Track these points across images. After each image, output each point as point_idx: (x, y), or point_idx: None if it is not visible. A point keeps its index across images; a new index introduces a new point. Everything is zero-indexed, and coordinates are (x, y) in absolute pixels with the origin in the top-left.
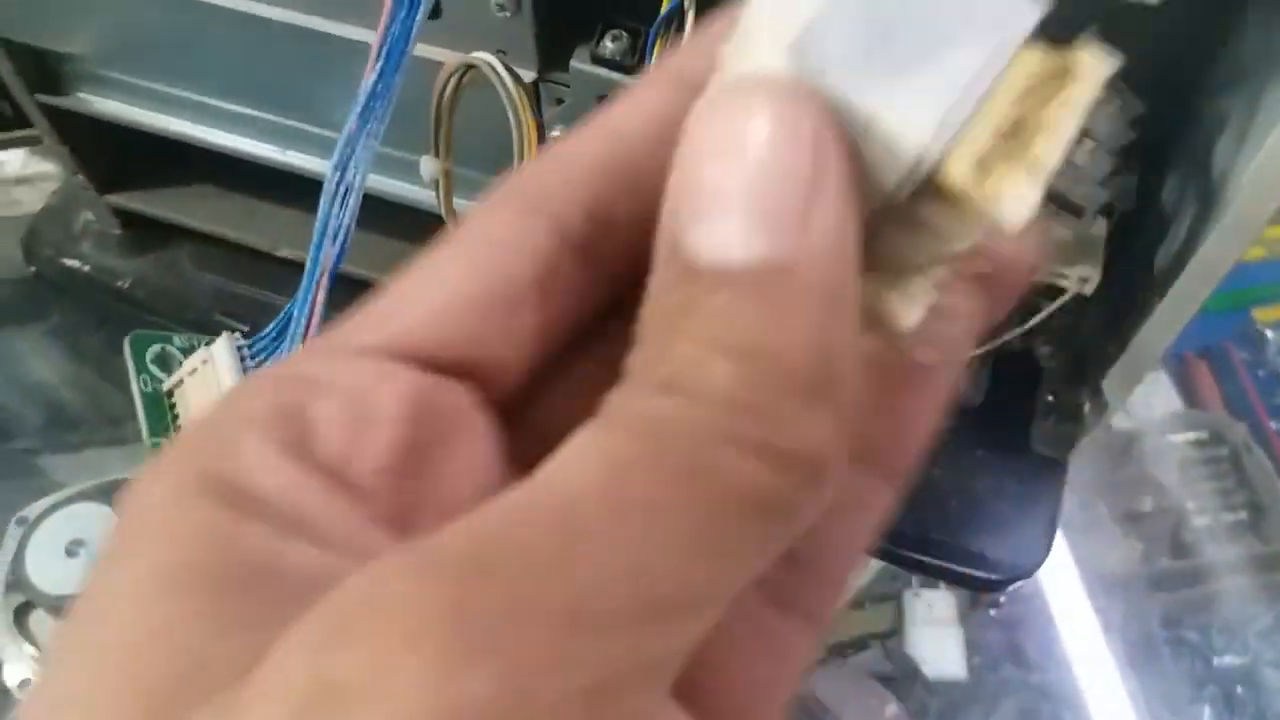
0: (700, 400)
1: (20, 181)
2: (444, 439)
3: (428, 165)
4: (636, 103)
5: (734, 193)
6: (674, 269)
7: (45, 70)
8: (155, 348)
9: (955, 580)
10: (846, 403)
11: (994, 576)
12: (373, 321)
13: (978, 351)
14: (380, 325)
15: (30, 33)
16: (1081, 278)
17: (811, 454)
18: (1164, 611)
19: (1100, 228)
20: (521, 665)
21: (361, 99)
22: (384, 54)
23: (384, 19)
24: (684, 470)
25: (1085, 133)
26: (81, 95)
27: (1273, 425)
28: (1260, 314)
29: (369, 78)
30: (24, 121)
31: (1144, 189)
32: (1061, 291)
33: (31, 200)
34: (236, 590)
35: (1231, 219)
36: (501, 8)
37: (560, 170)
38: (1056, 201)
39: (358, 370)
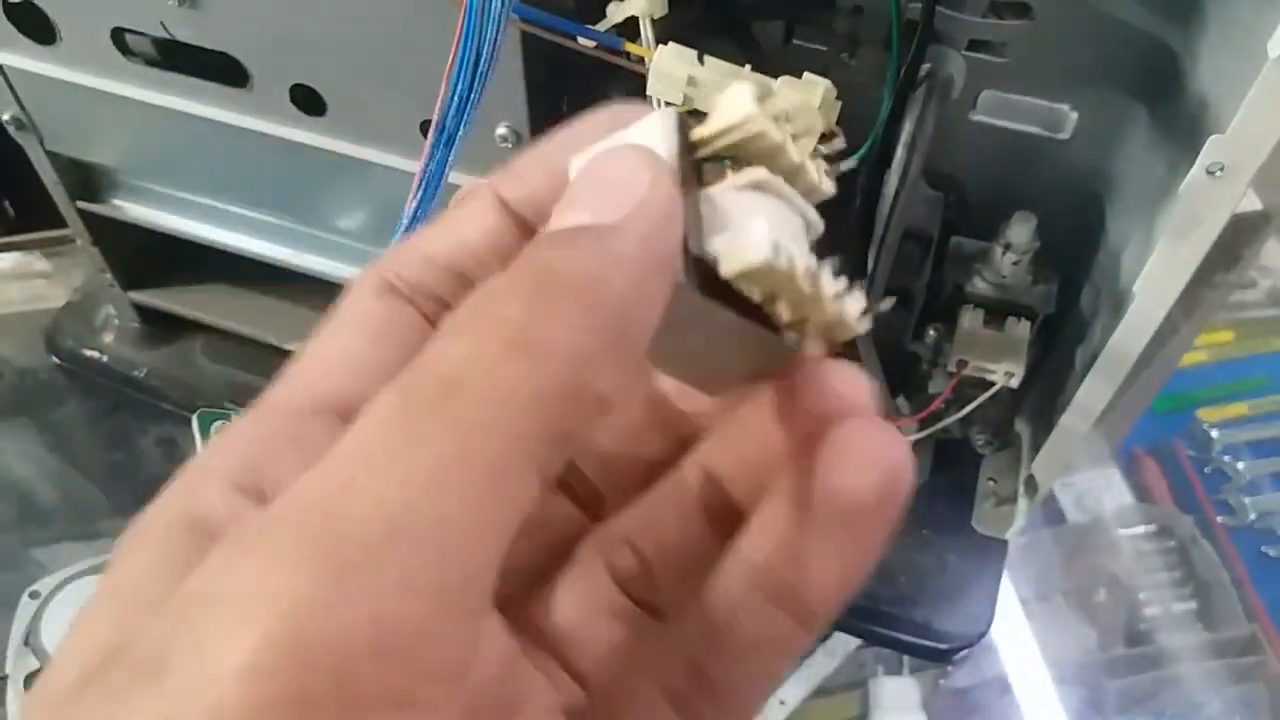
0: None
1: (18, 277)
2: None
3: None
4: (474, 217)
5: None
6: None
7: (85, 180)
8: (218, 423)
9: (905, 649)
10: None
11: (941, 645)
12: (304, 382)
13: (919, 436)
14: (312, 385)
15: (73, 147)
16: (1007, 373)
17: None
18: (1119, 697)
19: (1025, 329)
20: None
21: (404, 223)
22: (423, 185)
23: (424, 158)
24: None
25: (1007, 246)
26: (116, 202)
27: (1218, 519)
28: (1205, 414)
29: (410, 205)
30: (21, 226)
31: (1064, 296)
32: (990, 385)
33: (55, 296)
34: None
35: (1127, 322)
36: (504, 139)
37: (416, 259)
38: (1013, 310)
39: (311, 428)
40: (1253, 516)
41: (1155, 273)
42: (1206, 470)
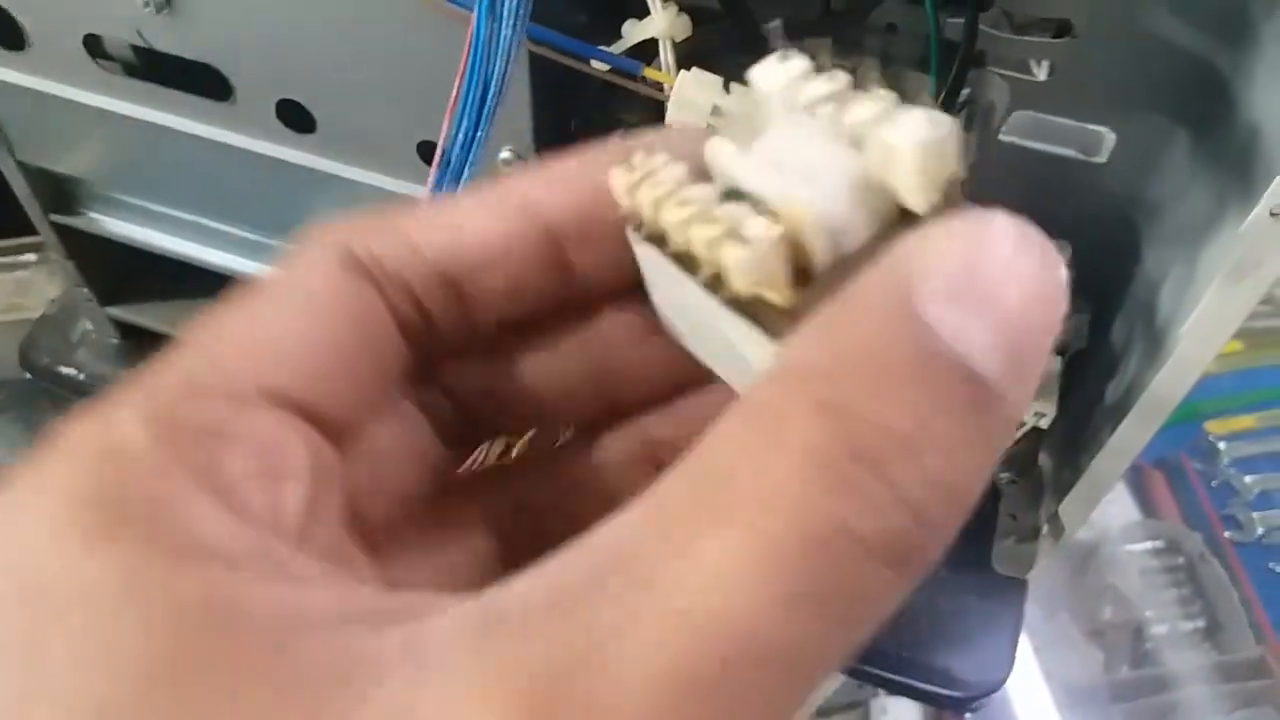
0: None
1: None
2: (325, 483)
3: None
4: (484, 216)
5: (1009, 316)
6: (904, 322)
7: (58, 191)
8: None
9: (924, 698)
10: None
11: (959, 694)
12: (249, 364)
13: None
14: (249, 368)
15: (45, 157)
16: (1038, 413)
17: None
18: None
19: (1056, 364)
20: None
21: None
22: None
23: (428, 191)
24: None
25: None
26: (92, 215)
27: (1226, 535)
28: (1212, 426)
29: None
30: None
31: (1094, 328)
32: (1021, 424)
33: (32, 307)
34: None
35: (1173, 365)
36: (507, 164)
37: (401, 245)
38: None
39: (263, 422)
40: (1260, 532)
41: (1206, 316)
42: (1214, 484)
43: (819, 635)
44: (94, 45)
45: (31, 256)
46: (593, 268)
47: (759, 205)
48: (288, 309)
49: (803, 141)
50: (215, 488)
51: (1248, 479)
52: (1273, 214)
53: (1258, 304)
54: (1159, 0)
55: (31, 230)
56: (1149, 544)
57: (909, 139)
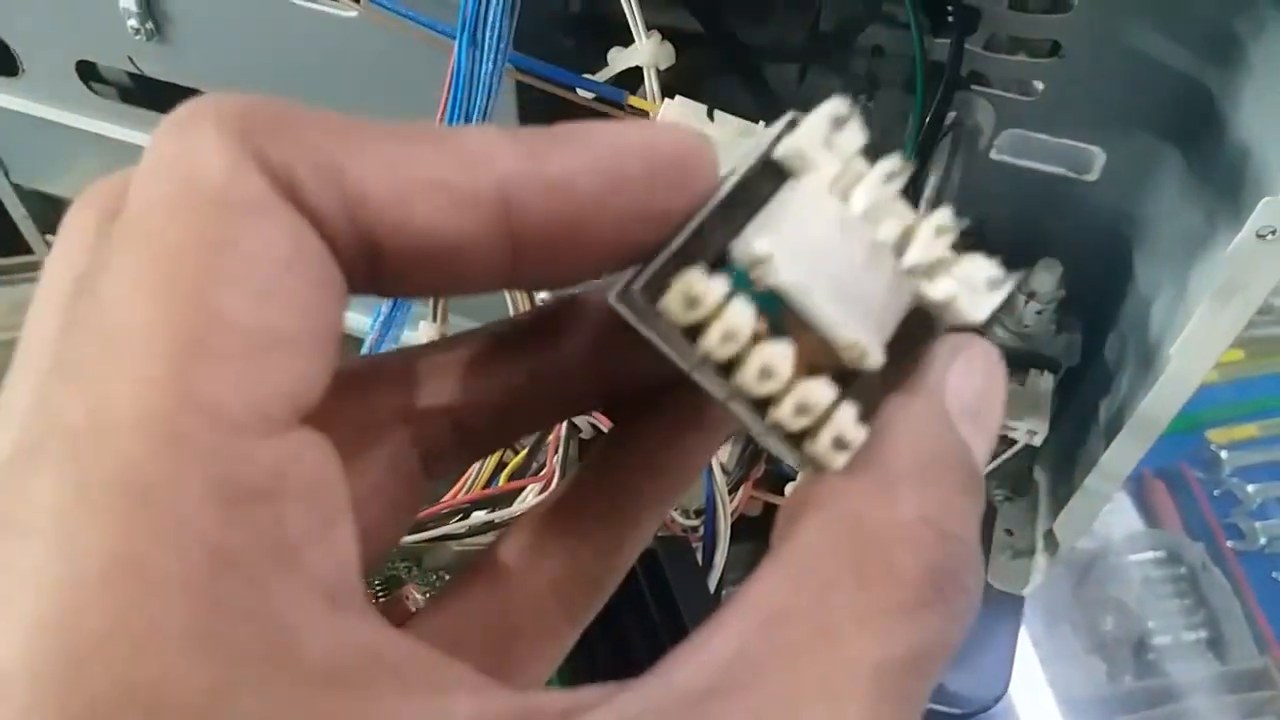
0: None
1: None
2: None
3: (426, 328)
4: (442, 189)
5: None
6: (954, 440)
7: (54, 213)
8: None
9: None
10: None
11: (955, 710)
12: (253, 372)
13: None
14: (268, 375)
15: (41, 180)
16: (1030, 430)
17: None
18: None
19: (1048, 382)
20: None
21: (383, 310)
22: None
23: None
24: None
25: (1030, 295)
26: None
27: (1229, 544)
28: (1214, 435)
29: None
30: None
31: (1087, 346)
32: (1013, 442)
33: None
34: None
35: (1163, 385)
36: None
37: (325, 183)
38: (1035, 362)
39: (308, 456)
40: (1263, 541)
41: (1195, 337)
42: (1216, 493)
43: None
44: (87, 71)
45: (29, 275)
46: (552, 269)
47: (801, 326)
48: (267, 287)
49: (859, 261)
50: (302, 578)
51: (1250, 488)
52: (1259, 236)
53: (1258, 313)
54: (1147, 20)
55: (28, 250)
56: (1151, 554)
57: (982, 311)
